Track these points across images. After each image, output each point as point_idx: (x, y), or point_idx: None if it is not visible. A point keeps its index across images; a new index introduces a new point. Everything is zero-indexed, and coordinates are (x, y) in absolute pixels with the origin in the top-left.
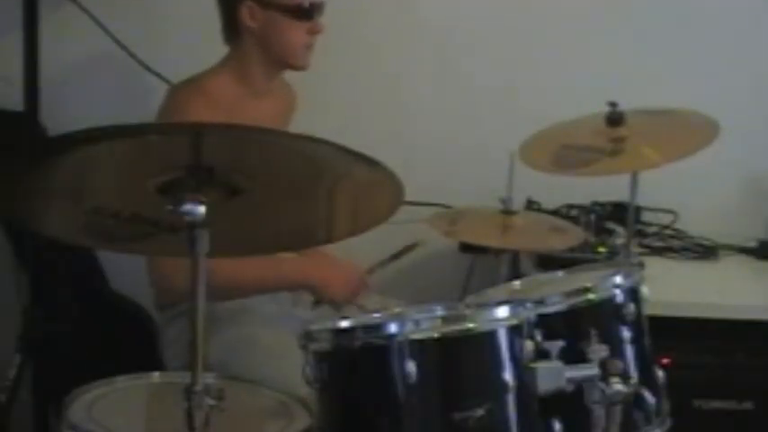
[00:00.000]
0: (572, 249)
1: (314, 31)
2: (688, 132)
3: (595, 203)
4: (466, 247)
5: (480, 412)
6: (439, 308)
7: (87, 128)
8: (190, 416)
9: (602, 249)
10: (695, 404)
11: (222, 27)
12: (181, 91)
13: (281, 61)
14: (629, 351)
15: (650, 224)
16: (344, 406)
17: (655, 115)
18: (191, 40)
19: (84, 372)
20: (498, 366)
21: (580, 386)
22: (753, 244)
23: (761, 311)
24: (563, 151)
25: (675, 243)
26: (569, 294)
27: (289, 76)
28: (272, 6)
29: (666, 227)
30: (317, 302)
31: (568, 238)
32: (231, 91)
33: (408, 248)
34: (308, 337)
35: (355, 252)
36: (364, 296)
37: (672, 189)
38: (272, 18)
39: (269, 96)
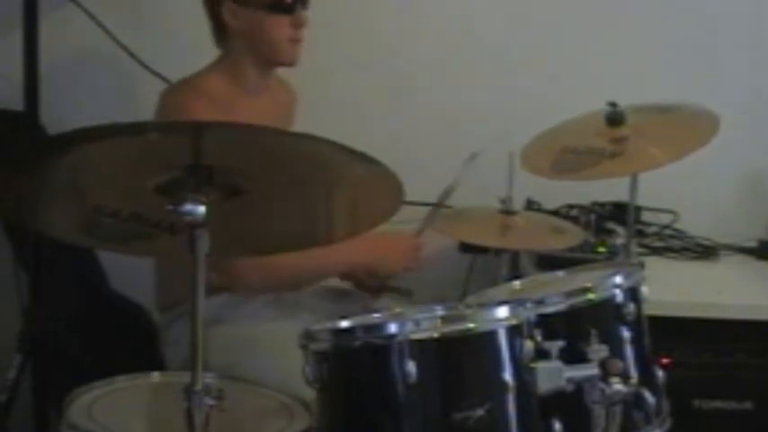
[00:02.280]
0: (572, 249)
1: (297, 25)
2: (689, 128)
3: (595, 203)
4: (466, 247)
5: (480, 412)
6: (439, 308)
7: (87, 127)
8: (190, 416)
9: (602, 249)
10: (695, 404)
11: (211, 30)
12: (177, 92)
13: (269, 59)
14: (629, 351)
15: (650, 224)
16: (344, 406)
17: (654, 112)
18: (191, 40)
19: (84, 372)
20: (498, 366)
21: (580, 386)
22: (753, 244)
23: (761, 311)
24: (564, 155)
25: (675, 243)
26: (569, 294)
27: (289, 74)
28: (251, 4)
29: (666, 227)
30: (379, 289)
31: (568, 237)
32: (226, 90)
33: (446, 194)
34: (308, 336)
35: None
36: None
37: (672, 189)
38: (253, 16)
39: (264, 95)
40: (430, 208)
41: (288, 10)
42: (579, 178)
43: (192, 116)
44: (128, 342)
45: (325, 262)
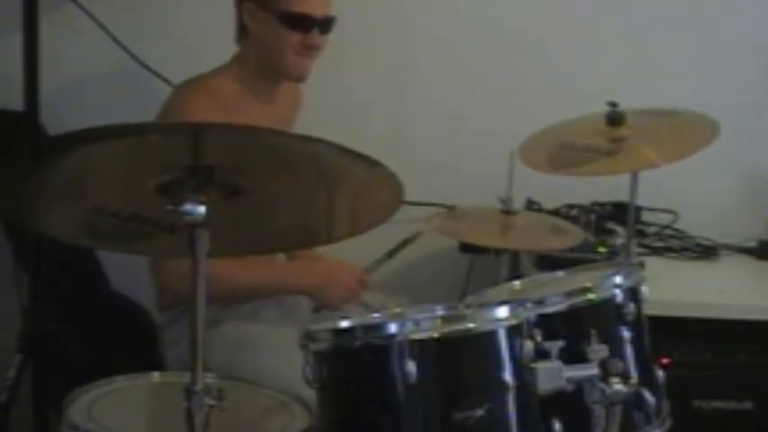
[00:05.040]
0: (572, 249)
1: (307, 44)
2: (688, 132)
3: (595, 203)
4: (466, 247)
5: (480, 412)
6: (439, 308)
7: (87, 127)
8: (190, 416)
9: (602, 249)
10: (695, 404)
11: (236, 27)
12: (185, 90)
13: (273, 69)
14: (629, 351)
15: (650, 224)
16: (344, 406)
17: (655, 115)
18: (191, 40)
19: (84, 372)
20: (498, 366)
21: (580, 386)
22: (753, 244)
23: (761, 311)
24: (562, 151)
25: (675, 243)
26: (569, 294)
27: None
28: (269, 9)
29: (666, 227)
30: (317, 309)
31: (568, 238)
32: (235, 92)
33: (406, 242)
34: (307, 337)
35: (356, 252)
36: (366, 294)
37: (672, 189)
38: (268, 21)
39: (273, 105)
40: (389, 250)
41: (301, 27)
42: (574, 174)
43: (195, 115)
44: (128, 342)
45: (261, 284)
